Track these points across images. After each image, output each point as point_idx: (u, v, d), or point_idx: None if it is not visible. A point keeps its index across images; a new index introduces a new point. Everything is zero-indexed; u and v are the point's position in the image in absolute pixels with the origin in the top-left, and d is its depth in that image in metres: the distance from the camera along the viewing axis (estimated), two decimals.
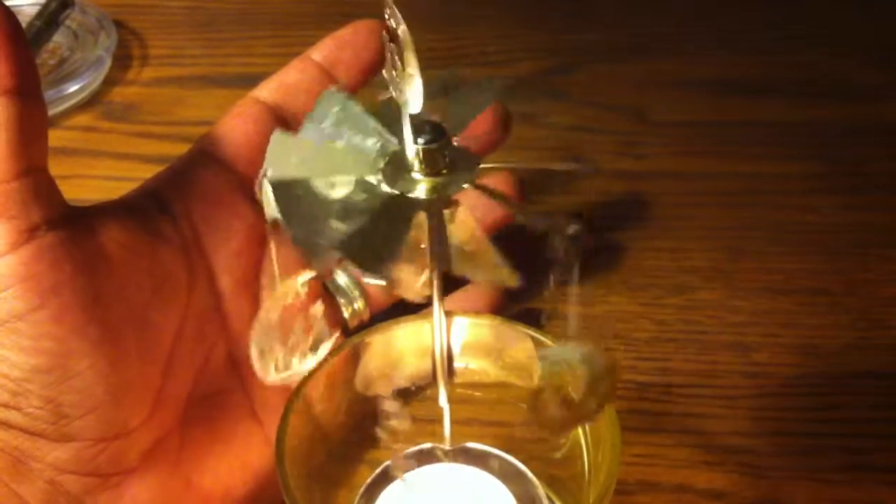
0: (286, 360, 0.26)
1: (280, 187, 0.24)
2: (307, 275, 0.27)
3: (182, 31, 0.62)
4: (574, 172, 0.23)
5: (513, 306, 0.37)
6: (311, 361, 0.27)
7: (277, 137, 0.25)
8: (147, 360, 0.29)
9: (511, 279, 0.22)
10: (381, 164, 0.24)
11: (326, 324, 0.28)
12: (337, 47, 0.35)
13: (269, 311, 0.25)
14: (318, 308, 0.28)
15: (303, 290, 0.26)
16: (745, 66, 0.57)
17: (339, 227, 0.23)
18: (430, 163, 0.23)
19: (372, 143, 0.24)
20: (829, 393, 0.38)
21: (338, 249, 0.22)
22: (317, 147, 0.25)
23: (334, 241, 0.22)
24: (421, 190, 0.23)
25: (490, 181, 0.36)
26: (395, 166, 0.24)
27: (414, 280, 0.23)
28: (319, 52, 0.35)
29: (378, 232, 0.23)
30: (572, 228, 0.22)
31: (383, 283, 0.22)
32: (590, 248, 0.23)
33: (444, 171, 0.23)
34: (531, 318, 0.31)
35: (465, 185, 0.23)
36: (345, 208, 0.23)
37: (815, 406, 0.37)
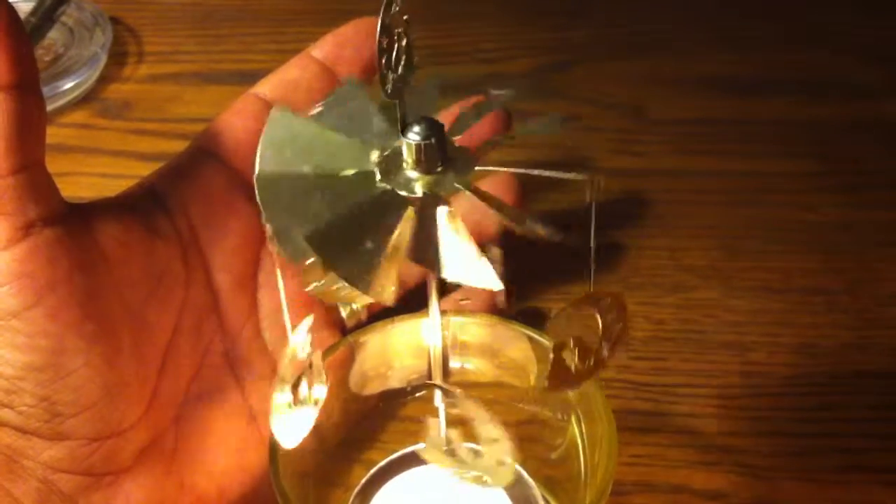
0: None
1: (264, 179, 0.23)
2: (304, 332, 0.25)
3: (178, 28, 0.62)
4: (578, 182, 0.23)
5: (511, 306, 0.36)
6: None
7: (276, 116, 0.24)
8: (142, 357, 0.29)
9: (496, 285, 0.21)
10: (377, 158, 0.23)
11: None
12: (338, 44, 0.35)
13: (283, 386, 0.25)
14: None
15: (306, 349, 0.25)
16: (744, 64, 0.57)
17: (318, 214, 0.22)
18: (424, 159, 0.23)
19: (373, 136, 0.24)
20: (827, 393, 0.38)
21: (308, 239, 0.21)
22: (316, 133, 0.24)
23: (308, 230, 0.21)
24: (412, 186, 0.23)
25: (490, 183, 0.36)
26: (391, 161, 0.23)
27: (387, 284, 0.22)
28: (320, 50, 0.35)
29: (358, 225, 0.22)
30: (562, 237, 0.22)
31: (344, 284, 0.21)
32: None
33: (440, 169, 0.23)
34: (529, 318, 0.30)
35: (458, 186, 0.23)
36: (329, 197, 0.23)
37: (812, 406, 0.37)
